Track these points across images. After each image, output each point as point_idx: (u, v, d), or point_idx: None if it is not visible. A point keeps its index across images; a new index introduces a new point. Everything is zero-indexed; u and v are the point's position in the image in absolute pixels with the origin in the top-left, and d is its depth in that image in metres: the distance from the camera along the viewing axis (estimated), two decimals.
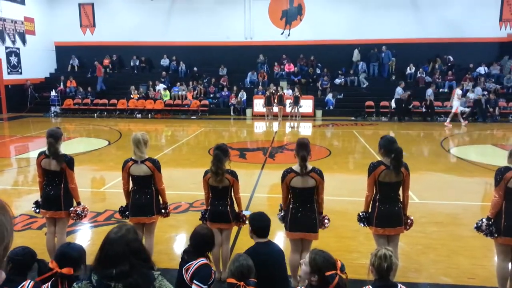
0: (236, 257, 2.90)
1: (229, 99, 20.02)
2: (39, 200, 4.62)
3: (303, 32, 21.86)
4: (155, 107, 19.86)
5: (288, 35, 22.21)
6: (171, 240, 5.53)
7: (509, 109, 18.36)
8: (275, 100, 18.42)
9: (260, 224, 3.44)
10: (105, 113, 20.05)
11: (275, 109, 18.58)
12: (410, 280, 4.35)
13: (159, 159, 4.64)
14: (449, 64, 20.85)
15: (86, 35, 23.35)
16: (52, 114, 19.85)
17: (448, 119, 16.63)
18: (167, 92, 20.42)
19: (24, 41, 21.36)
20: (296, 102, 18.30)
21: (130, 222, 4.38)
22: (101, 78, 21.36)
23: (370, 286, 2.63)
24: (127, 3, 22.76)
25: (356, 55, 21.44)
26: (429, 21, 20.87)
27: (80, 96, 20.61)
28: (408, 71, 20.70)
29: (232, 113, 19.76)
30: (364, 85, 20.70)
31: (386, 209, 4.03)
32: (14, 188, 8.16)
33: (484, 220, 3.96)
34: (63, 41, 23.34)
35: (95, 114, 19.86)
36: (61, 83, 21.45)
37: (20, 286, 2.41)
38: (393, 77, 20.85)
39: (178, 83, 20.71)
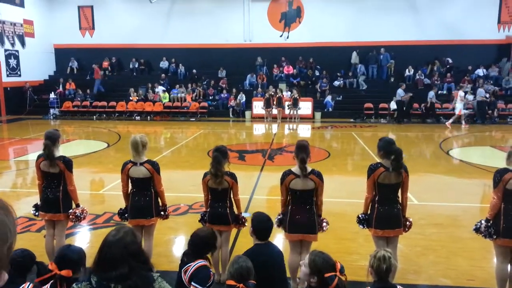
0: (236, 259, 2.90)
1: (228, 101, 20.03)
2: (38, 203, 4.61)
3: (302, 34, 21.90)
4: (154, 109, 19.86)
5: (287, 37, 22.25)
6: (170, 242, 5.53)
7: (507, 111, 18.40)
8: (274, 102, 18.46)
9: (261, 226, 3.42)
10: (104, 115, 20.04)
11: (274, 111, 18.60)
12: (409, 282, 4.35)
13: (158, 161, 4.65)
14: (448, 66, 20.90)
15: (85, 38, 23.37)
16: (51, 117, 19.85)
17: (451, 120, 16.69)
18: (166, 94, 20.42)
19: (23, 44, 21.37)
20: (295, 104, 18.32)
21: (129, 225, 4.38)
22: (99, 81, 21.35)
23: None
24: (126, 5, 22.79)
25: (354, 57, 21.48)
26: (428, 23, 20.93)
27: (79, 98, 20.62)
28: (407, 73, 20.74)
29: (231, 115, 19.76)
30: (363, 88, 20.74)
31: (385, 211, 4.03)
32: (13, 191, 8.14)
33: (483, 221, 3.97)
34: (62, 43, 23.34)
35: (94, 116, 19.86)
36: (60, 86, 21.45)
37: None
38: (392, 79, 20.91)
39: (177, 85, 20.72)
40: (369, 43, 21.14)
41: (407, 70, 20.74)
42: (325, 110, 19.59)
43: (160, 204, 4.61)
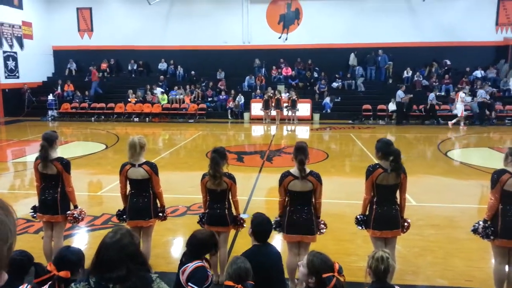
0: (234, 259, 2.90)
1: (227, 102, 20.04)
2: (37, 205, 4.60)
3: (301, 36, 21.94)
4: (153, 111, 19.86)
5: (286, 39, 22.29)
6: (168, 243, 5.52)
7: (505, 113, 18.46)
8: (273, 104, 18.48)
9: (261, 228, 3.43)
10: (103, 117, 20.02)
11: (273, 112, 18.62)
12: (407, 283, 4.36)
13: (156, 162, 4.65)
14: (446, 67, 20.97)
15: (84, 39, 23.37)
16: (50, 118, 19.82)
17: (454, 120, 16.75)
18: (165, 96, 20.43)
19: (21, 46, 21.35)
20: (293, 105, 18.34)
21: (128, 226, 4.37)
22: (96, 83, 21.30)
23: None
24: (125, 7, 22.80)
25: (352, 59, 21.52)
26: (426, 25, 21.00)
27: (77, 100, 20.59)
28: (405, 74, 20.78)
29: (229, 117, 19.77)
30: (362, 89, 20.77)
31: (384, 212, 4.04)
32: (11, 192, 8.13)
33: (480, 222, 3.98)
34: (61, 45, 23.33)
35: (93, 118, 19.83)
36: (59, 87, 21.42)
37: None
38: (390, 81, 20.96)
39: (176, 87, 20.72)
40: (367, 44, 21.19)
41: (405, 72, 20.78)
42: (324, 111, 19.61)
43: (159, 205, 4.61)
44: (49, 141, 4.42)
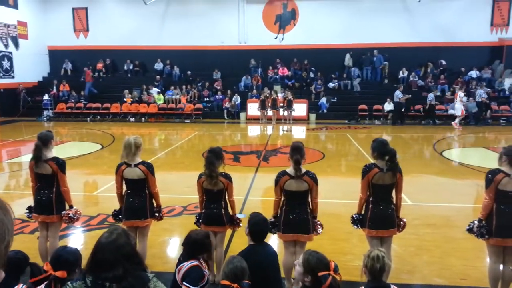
0: (230, 259, 2.90)
1: (223, 103, 20.03)
2: (32, 205, 4.58)
3: (297, 37, 21.97)
4: (149, 111, 19.81)
5: (282, 39, 22.31)
6: (164, 243, 5.52)
7: (500, 113, 18.58)
8: (269, 104, 18.49)
9: (258, 228, 3.43)
10: (98, 117, 19.96)
11: (270, 112, 18.63)
12: (403, 282, 4.37)
13: (152, 162, 4.64)
14: (441, 68, 21.05)
15: (79, 39, 23.28)
16: (45, 118, 19.73)
17: (457, 120, 16.86)
18: (161, 96, 20.39)
19: (17, 45, 21.24)
20: (289, 105, 18.37)
21: (124, 226, 4.36)
22: (90, 84, 21.19)
23: (363, 287, 2.64)
24: (121, 7, 22.73)
25: (347, 59, 21.58)
26: (421, 26, 21.07)
27: (73, 100, 20.50)
28: (401, 75, 20.85)
29: (226, 117, 19.76)
30: (358, 89, 20.83)
31: (379, 211, 4.05)
32: (6, 192, 8.08)
33: (475, 222, 4.00)
34: (57, 45, 23.23)
35: (88, 118, 19.76)
36: (54, 87, 21.32)
37: None
38: (386, 81, 21.03)
39: (172, 87, 20.69)
40: (363, 45, 21.24)
41: (401, 72, 20.85)
42: (320, 111, 19.64)
43: (155, 205, 4.60)
44: (44, 141, 4.40)
